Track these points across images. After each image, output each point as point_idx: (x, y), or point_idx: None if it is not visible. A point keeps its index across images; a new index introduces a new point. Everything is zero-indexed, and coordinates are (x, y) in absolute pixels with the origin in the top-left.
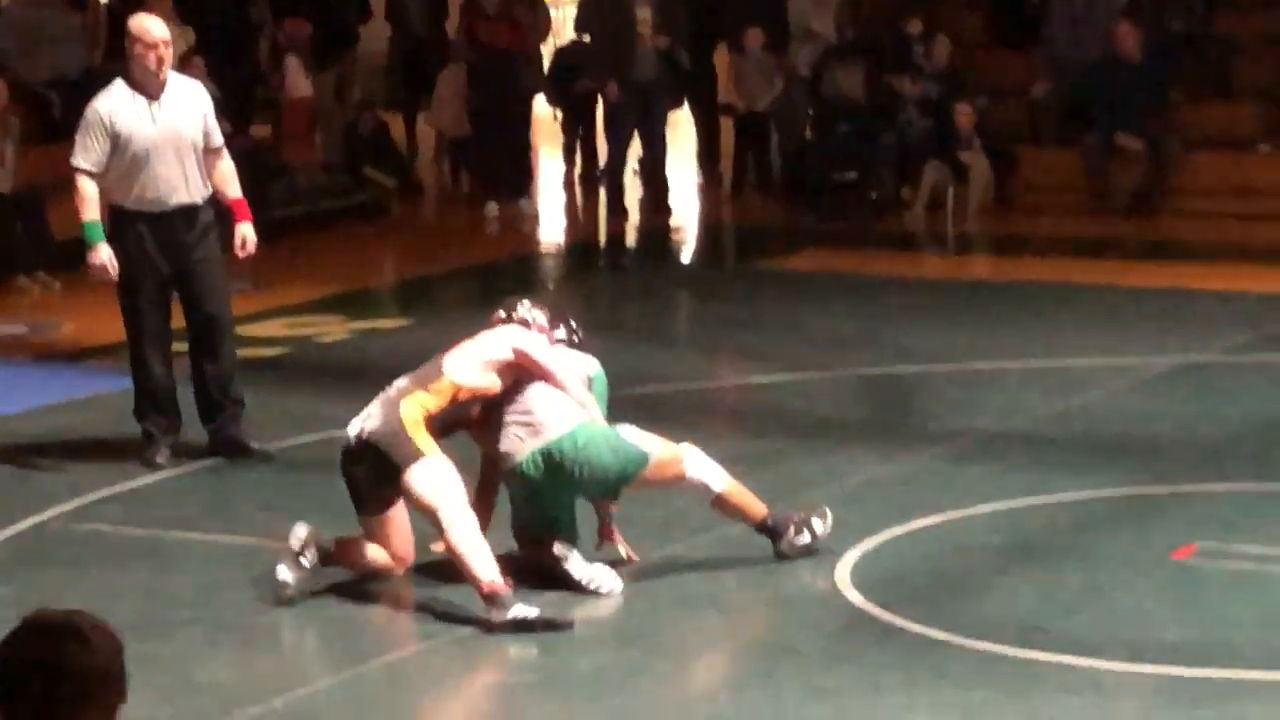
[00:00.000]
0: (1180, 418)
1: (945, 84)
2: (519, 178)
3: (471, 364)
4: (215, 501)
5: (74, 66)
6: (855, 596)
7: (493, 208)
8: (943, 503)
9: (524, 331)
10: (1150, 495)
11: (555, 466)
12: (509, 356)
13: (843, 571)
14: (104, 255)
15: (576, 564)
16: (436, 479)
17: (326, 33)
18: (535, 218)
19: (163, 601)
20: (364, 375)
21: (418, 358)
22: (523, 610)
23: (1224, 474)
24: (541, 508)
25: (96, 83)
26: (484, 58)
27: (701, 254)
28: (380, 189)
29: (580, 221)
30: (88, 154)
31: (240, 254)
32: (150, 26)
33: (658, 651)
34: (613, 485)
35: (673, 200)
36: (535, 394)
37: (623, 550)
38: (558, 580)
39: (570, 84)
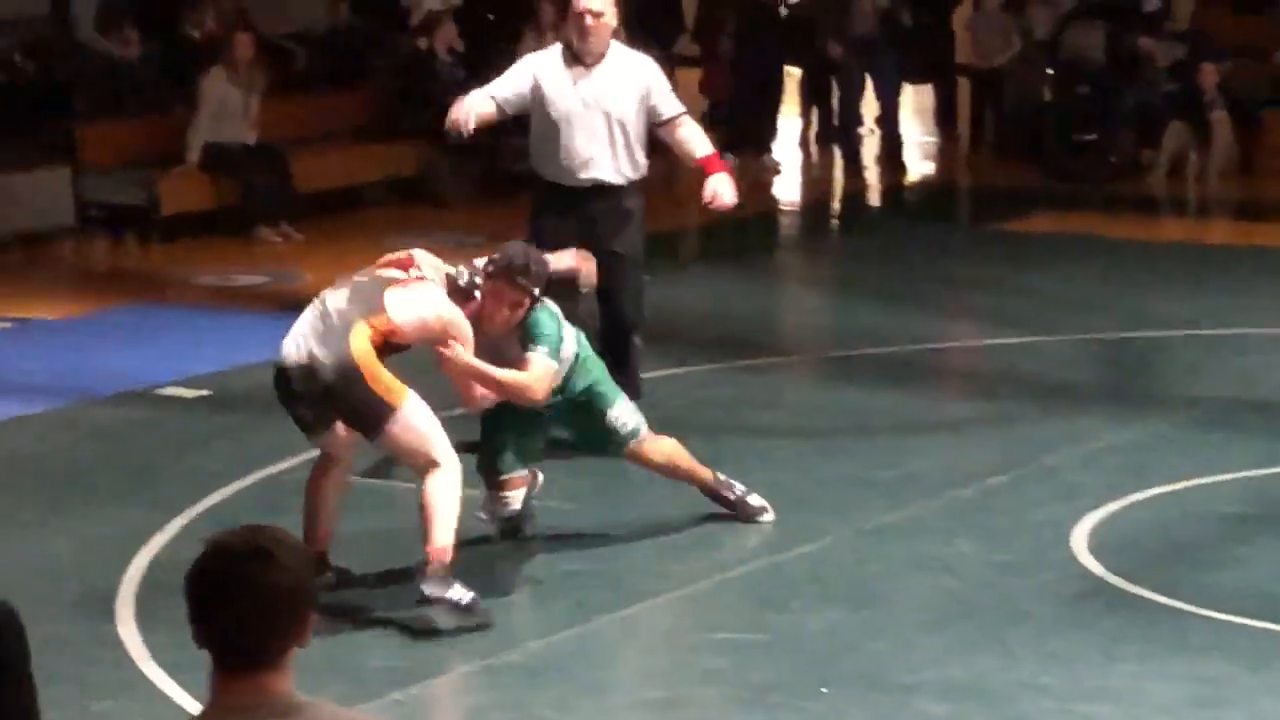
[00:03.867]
0: None
1: (1190, 44)
2: (766, 133)
3: (412, 314)
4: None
5: (319, 20)
6: (1091, 563)
7: (730, 161)
8: (1181, 470)
9: (458, 319)
10: None
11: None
12: (437, 330)
13: (1079, 537)
14: (463, 108)
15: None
16: (417, 427)
17: None
18: (777, 172)
19: (396, 551)
20: None
21: (656, 313)
22: (459, 593)
23: None
24: None
25: (339, 43)
26: (751, 15)
27: (937, 213)
28: None
29: (817, 179)
30: (497, 84)
31: (711, 205)
32: None
33: (890, 613)
34: None
35: (908, 158)
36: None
37: None
38: None
39: (808, 42)
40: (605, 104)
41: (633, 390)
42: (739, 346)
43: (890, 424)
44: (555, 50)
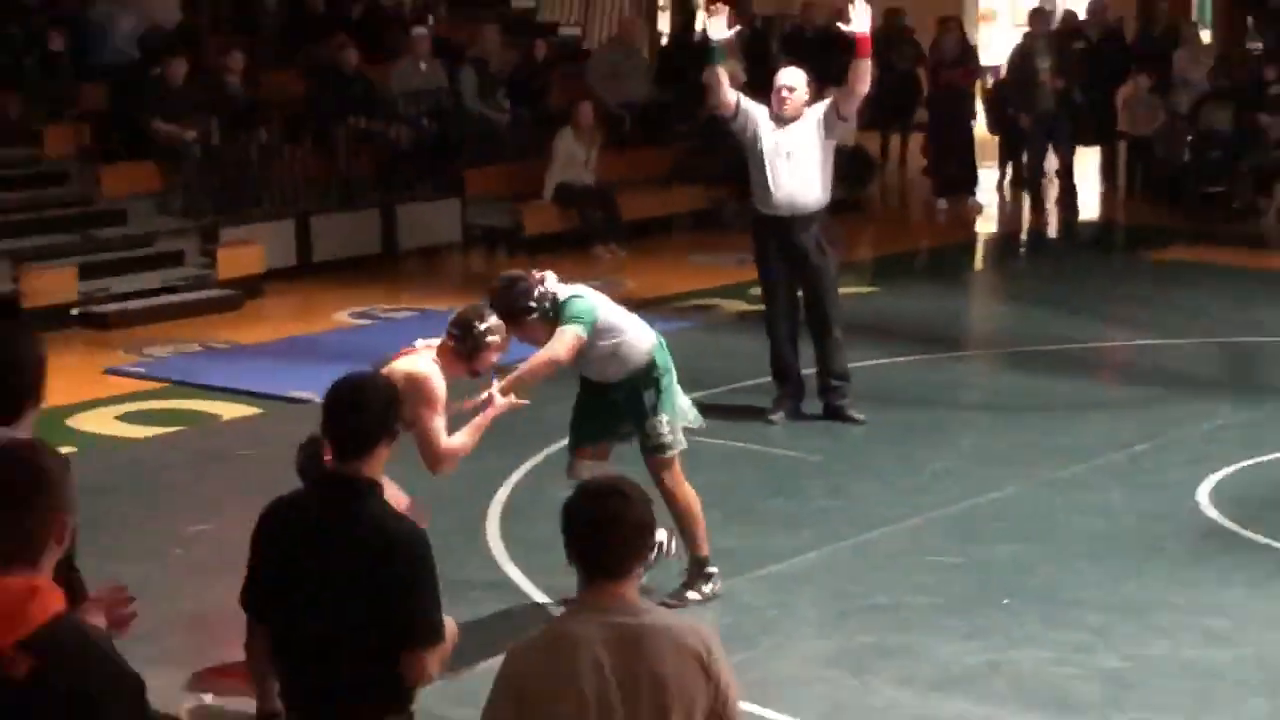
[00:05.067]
0: None
1: None
2: (967, 179)
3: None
4: (733, 414)
5: (640, 93)
6: (1212, 512)
7: (942, 203)
8: None
9: (427, 378)
10: None
11: None
12: (410, 393)
13: (1203, 493)
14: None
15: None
16: None
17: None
18: (980, 211)
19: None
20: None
21: (885, 316)
22: None
23: None
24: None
25: (655, 111)
26: (944, 93)
27: (1099, 244)
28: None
29: (1009, 216)
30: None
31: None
32: (779, 75)
33: (1058, 547)
34: None
35: (1079, 203)
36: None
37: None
38: None
39: (1004, 114)
40: (800, 153)
41: (838, 372)
42: (948, 342)
43: (1060, 404)
44: (764, 108)
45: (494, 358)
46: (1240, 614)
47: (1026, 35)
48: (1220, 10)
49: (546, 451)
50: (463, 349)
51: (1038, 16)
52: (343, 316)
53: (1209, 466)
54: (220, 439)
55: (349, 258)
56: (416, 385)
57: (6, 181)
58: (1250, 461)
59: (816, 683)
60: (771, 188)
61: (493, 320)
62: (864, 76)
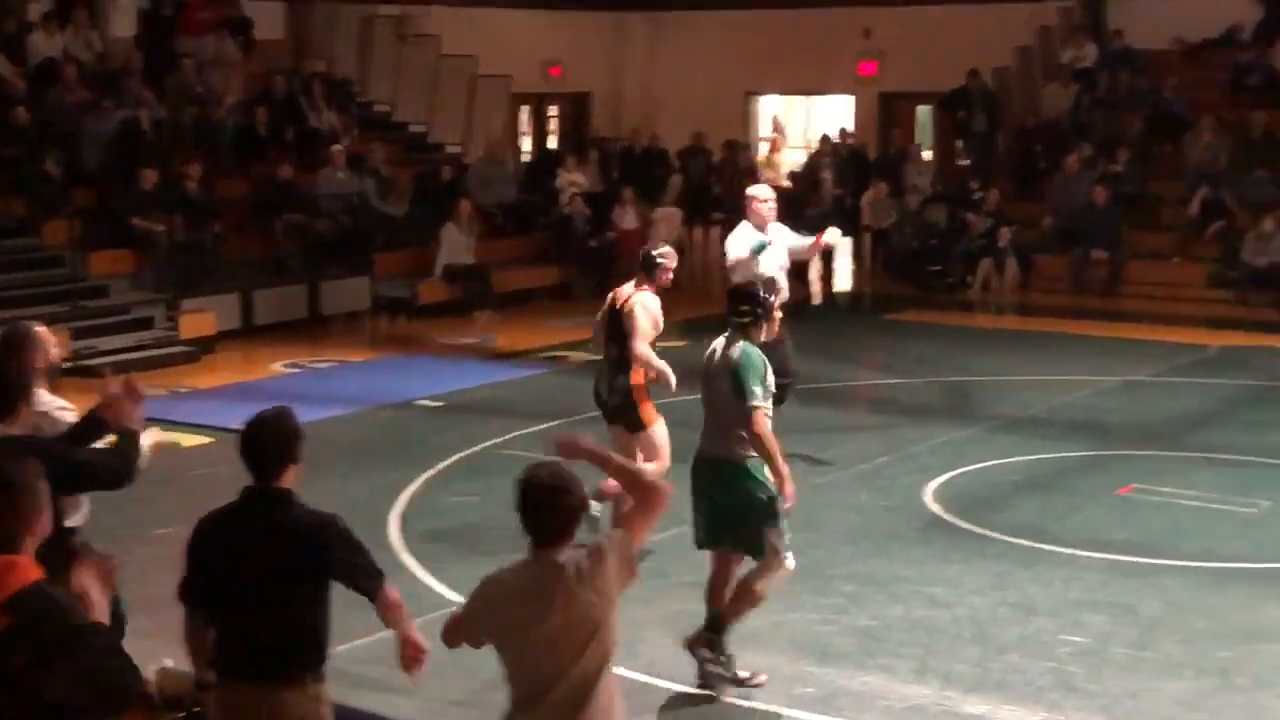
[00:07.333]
0: (1125, 412)
1: (994, 218)
2: None
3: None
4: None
5: (508, 196)
6: (935, 507)
7: None
8: (985, 455)
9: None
10: (1105, 455)
11: None
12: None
13: (928, 493)
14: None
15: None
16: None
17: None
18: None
19: None
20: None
21: (691, 365)
22: None
23: (1149, 445)
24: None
25: (519, 209)
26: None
27: (853, 308)
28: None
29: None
30: (742, 244)
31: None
32: (757, 191)
33: (822, 534)
34: None
35: (836, 279)
36: None
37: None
38: None
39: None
40: (774, 247)
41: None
42: None
43: (824, 427)
44: (748, 224)
45: (669, 274)
46: (955, 584)
47: (814, 154)
48: (938, 135)
49: (437, 467)
50: (648, 275)
51: (825, 141)
52: (278, 367)
53: (931, 474)
54: (180, 461)
55: (282, 321)
56: (635, 308)
57: (15, 264)
58: (962, 470)
59: (641, 643)
60: (760, 271)
61: (663, 248)
62: (813, 251)
